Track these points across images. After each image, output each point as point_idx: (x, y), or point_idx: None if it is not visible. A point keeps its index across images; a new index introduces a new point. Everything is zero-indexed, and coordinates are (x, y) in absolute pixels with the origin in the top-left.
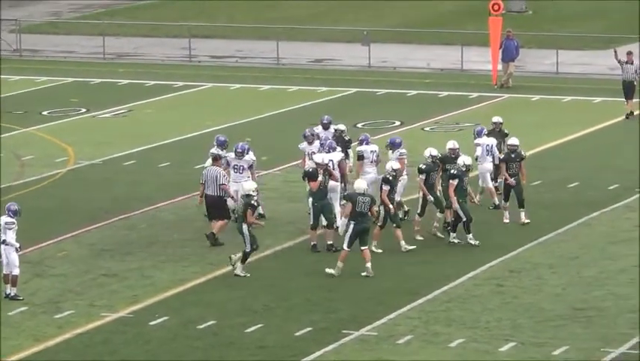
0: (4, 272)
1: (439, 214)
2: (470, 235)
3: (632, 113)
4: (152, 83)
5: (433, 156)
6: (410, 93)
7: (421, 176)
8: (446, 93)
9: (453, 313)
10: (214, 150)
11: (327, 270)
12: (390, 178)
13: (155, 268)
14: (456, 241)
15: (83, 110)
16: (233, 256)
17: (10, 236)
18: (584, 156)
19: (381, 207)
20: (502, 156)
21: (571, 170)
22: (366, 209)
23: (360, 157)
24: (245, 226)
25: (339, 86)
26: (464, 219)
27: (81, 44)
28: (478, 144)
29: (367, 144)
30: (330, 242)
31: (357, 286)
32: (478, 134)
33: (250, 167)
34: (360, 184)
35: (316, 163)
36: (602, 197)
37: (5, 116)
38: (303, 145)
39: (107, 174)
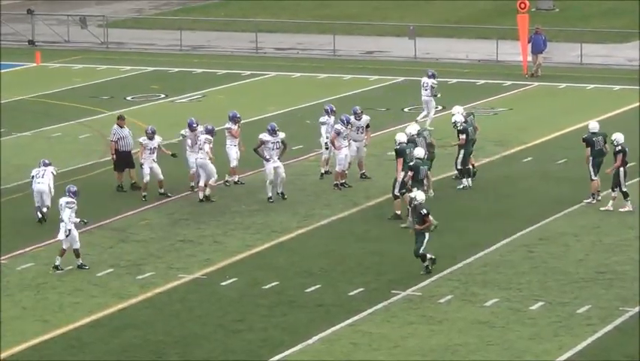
0: (62, 247)
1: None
2: None
3: None
4: (223, 72)
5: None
6: (451, 81)
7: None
8: (483, 81)
9: (488, 276)
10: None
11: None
12: None
13: (225, 235)
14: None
15: (162, 95)
16: None
17: (68, 215)
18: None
19: None
20: None
21: None
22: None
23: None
24: None
25: (388, 75)
26: None
27: (161, 38)
28: None
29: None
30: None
31: (404, 252)
32: None
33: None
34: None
35: None
36: None
37: (93, 101)
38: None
39: (183, 152)
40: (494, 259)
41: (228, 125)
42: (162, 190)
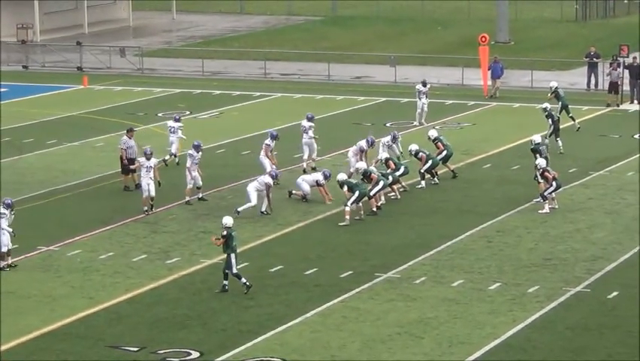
0: (1, 250)
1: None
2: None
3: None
4: (238, 93)
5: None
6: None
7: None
8: (451, 102)
9: (455, 262)
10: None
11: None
12: None
13: (238, 227)
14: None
15: (187, 112)
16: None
17: (4, 224)
18: (551, 147)
19: None
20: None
21: None
22: None
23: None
24: None
25: (373, 96)
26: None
27: (186, 65)
28: None
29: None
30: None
31: (385, 242)
32: None
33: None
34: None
35: None
36: (563, 177)
37: (130, 117)
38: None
39: (203, 160)
40: (460, 248)
41: (268, 141)
42: (146, 208)
